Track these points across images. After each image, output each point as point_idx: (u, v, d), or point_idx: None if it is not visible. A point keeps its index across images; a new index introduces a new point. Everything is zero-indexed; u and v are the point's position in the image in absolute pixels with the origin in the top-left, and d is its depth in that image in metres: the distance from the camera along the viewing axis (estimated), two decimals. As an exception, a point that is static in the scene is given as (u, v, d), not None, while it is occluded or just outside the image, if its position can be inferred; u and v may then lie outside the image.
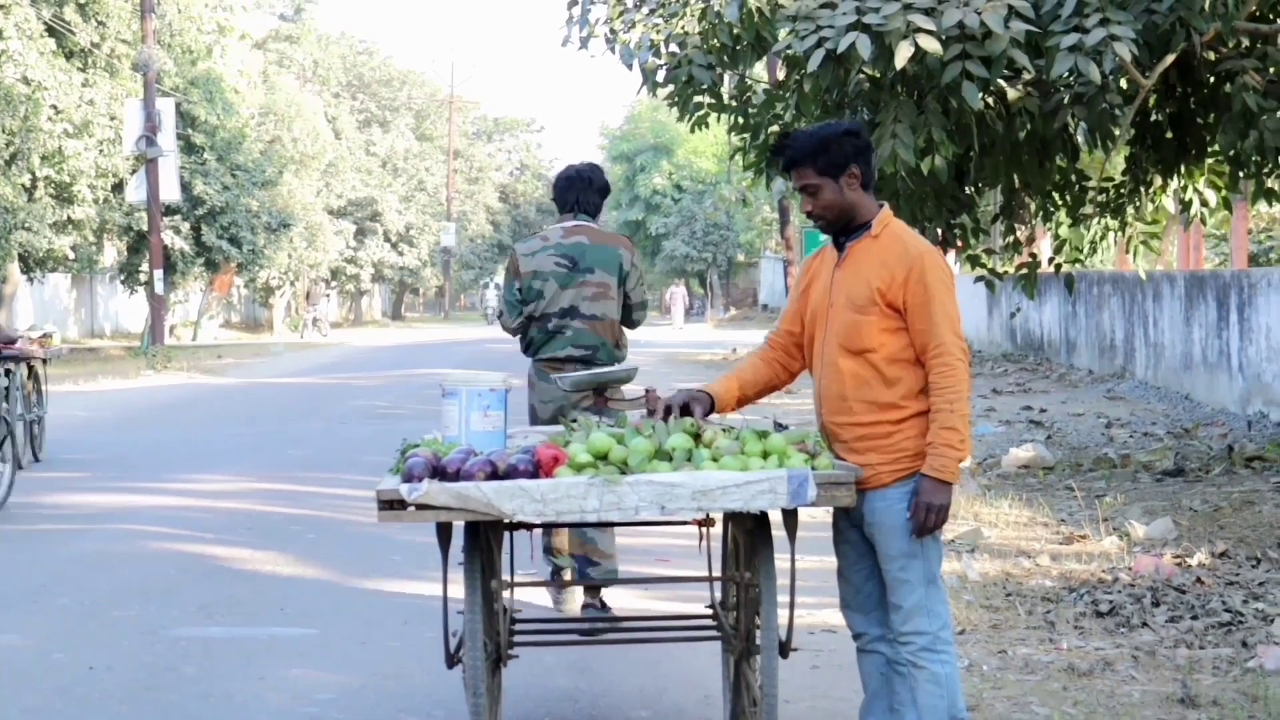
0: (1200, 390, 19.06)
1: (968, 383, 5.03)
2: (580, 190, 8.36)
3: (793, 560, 5.34)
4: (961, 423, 4.99)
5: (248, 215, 41.50)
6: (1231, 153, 12.03)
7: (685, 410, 5.36)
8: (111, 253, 41.82)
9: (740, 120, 13.59)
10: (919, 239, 5.18)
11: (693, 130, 13.76)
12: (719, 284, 78.43)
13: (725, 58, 12.24)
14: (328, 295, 62.40)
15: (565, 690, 6.99)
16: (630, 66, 12.38)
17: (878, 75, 11.01)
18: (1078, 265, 14.64)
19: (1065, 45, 9.60)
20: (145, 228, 37.27)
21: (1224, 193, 13.50)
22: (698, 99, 12.97)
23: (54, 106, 32.52)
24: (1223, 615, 7.90)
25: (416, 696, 6.87)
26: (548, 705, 6.73)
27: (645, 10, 12.50)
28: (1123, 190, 13.53)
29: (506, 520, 4.97)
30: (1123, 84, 11.55)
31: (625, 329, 8.43)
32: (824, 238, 5.33)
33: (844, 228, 5.22)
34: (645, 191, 73.92)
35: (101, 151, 34.67)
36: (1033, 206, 13.82)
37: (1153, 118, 12.78)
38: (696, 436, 5.19)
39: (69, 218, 34.37)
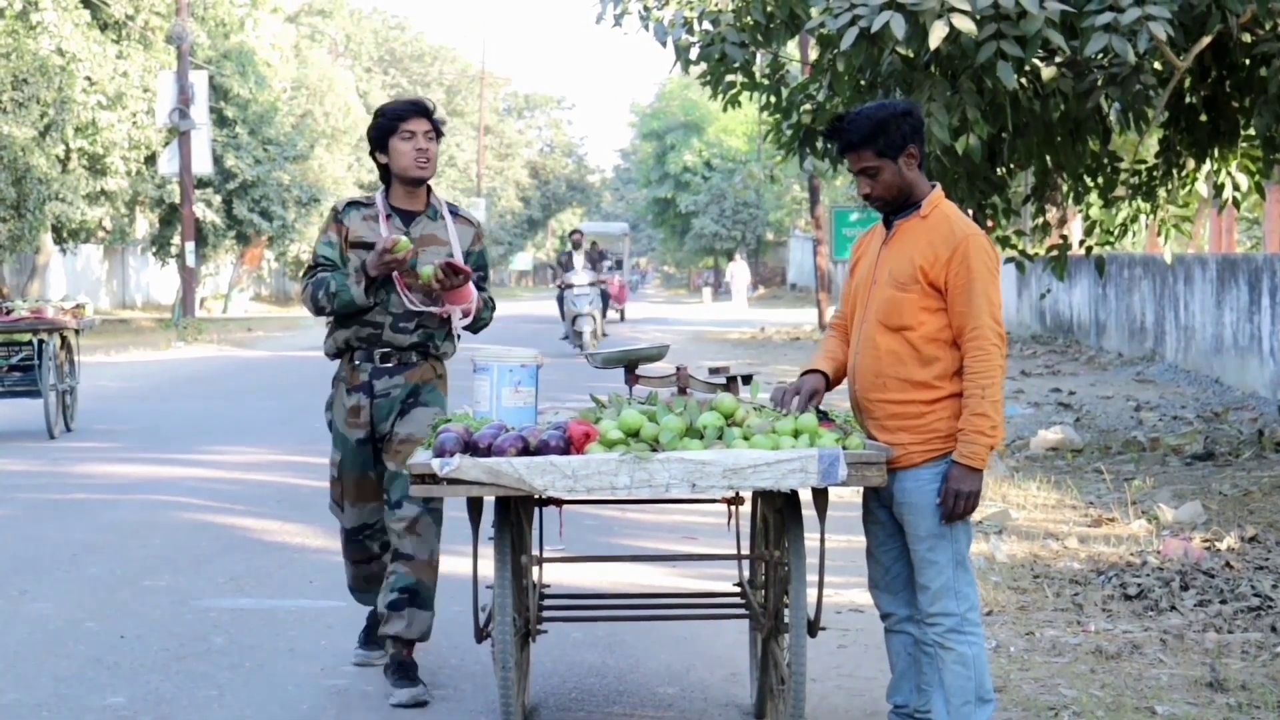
0: (1231, 374, 18.98)
1: (1002, 369, 5.02)
2: None
3: (822, 539, 5.35)
4: (994, 409, 4.98)
5: (279, 189, 41.59)
6: (1266, 136, 11.97)
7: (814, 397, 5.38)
8: (143, 225, 41.92)
9: (773, 99, 13.56)
10: (967, 221, 5.18)
11: (725, 109, 13.75)
12: (748, 262, 78.28)
13: (758, 35, 12.23)
14: (358, 269, 62.42)
15: (592, 666, 7.01)
16: (663, 44, 12.38)
17: (911, 55, 10.98)
18: (1108, 247, 14.58)
19: (1100, 24, 9.56)
20: (177, 200, 37.35)
21: (1256, 177, 13.44)
22: (730, 77, 12.94)
23: (88, 78, 32.64)
24: (1252, 600, 7.88)
25: (444, 670, 6.90)
26: (575, 680, 6.75)
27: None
28: (1155, 173, 13.47)
29: (537, 496, 4.99)
30: (1157, 65, 11.50)
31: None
32: (855, 215, 5.35)
33: (898, 207, 5.22)
34: (675, 169, 73.67)
35: (135, 123, 34.78)
36: (1064, 188, 13.78)
37: (1187, 100, 12.71)
38: (728, 415, 5.21)
39: (102, 189, 34.49)
